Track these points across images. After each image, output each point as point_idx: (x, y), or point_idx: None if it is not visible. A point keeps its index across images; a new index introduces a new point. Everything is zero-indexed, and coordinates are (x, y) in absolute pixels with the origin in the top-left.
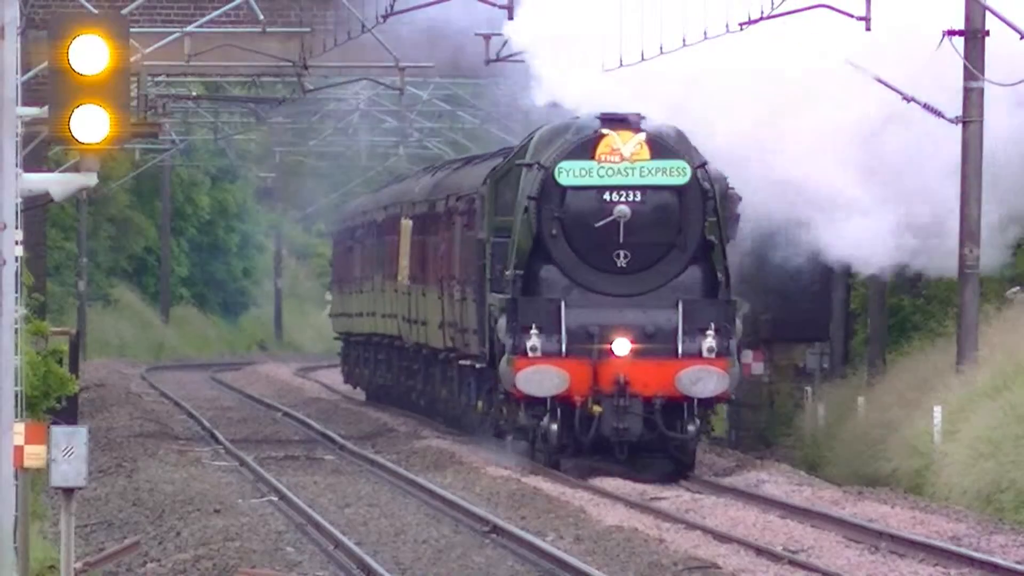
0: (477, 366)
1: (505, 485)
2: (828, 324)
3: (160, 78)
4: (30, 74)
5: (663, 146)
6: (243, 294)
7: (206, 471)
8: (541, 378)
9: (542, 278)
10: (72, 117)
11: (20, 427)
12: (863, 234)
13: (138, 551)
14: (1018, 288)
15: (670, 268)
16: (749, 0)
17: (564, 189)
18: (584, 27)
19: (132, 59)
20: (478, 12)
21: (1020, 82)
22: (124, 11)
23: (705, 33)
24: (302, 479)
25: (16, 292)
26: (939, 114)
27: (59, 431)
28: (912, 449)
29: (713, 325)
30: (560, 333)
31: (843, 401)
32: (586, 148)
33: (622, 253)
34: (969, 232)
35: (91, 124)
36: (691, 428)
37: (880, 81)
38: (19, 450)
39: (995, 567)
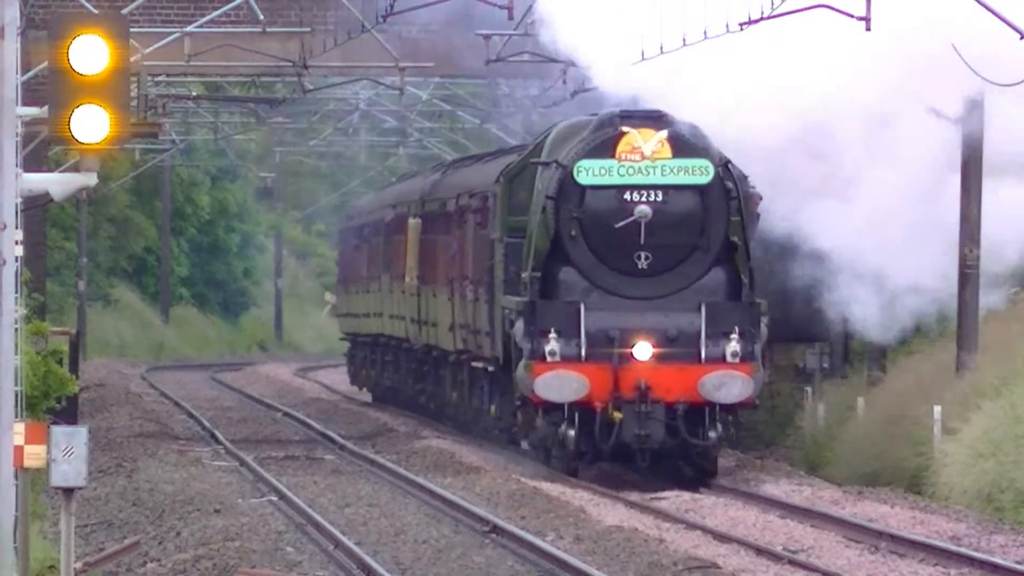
0: (490, 369)
1: (505, 485)
2: (828, 324)
3: (160, 78)
4: (30, 74)
5: (685, 144)
6: (243, 294)
7: (206, 471)
8: (560, 383)
9: (560, 280)
10: (72, 117)
11: (20, 427)
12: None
13: (138, 551)
14: (1019, 288)
15: (693, 270)
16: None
17: (583, 188)
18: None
19: (132, 59)
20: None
21: (1020, 82)
22: (124, 11)
23: (705, 33)
24: (302, 479)
25: (16, 292)
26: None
27: (59, 431)
28: (912, 449)
29: (737, 329)
30: (579, 337)
31: (843, 401)
32: (606, 146)
33: (643, 255)
34: (969, 232)
35: (91, 124)
36: (713, 435)
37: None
38: (19, 450)
39: (995, 567)
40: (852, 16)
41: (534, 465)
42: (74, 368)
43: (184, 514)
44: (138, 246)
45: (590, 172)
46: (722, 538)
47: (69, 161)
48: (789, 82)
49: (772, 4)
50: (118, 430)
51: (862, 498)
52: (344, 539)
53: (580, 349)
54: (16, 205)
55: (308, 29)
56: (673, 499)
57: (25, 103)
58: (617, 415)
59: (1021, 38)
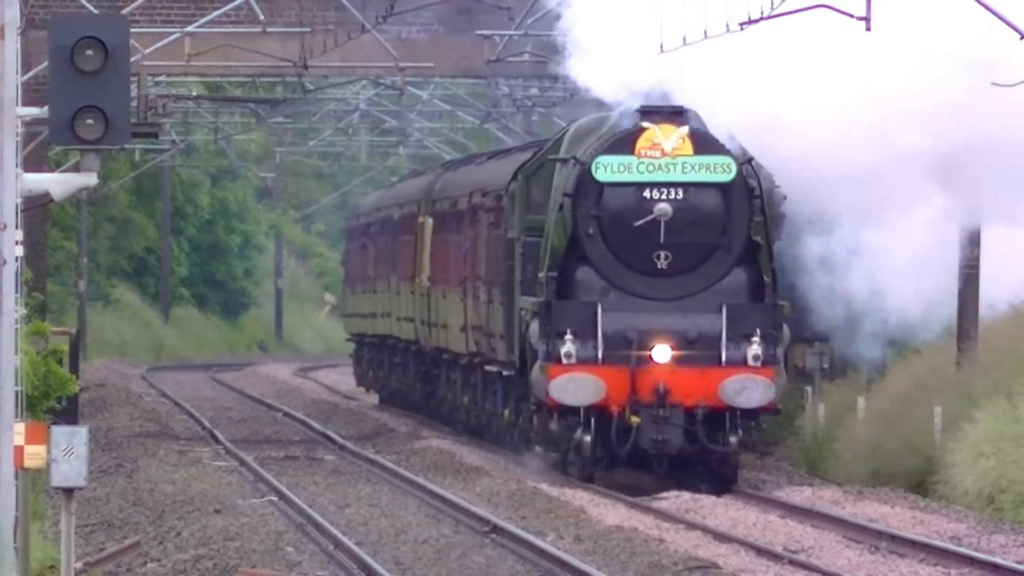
0: (505, 373)
1: (505, 485)
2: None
3: (160, 78)
4: (30, 74)
5: (707, 140)
6: (243, 294)
7: (206, 471)
8: (576, 386)
9: (577, 280)
10: (72, 117)
11: (20, 427)
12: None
13: (138, 551)
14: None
15: (714, 270)
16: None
17: (602, 186)
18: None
19: (132, 59)
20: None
21: (1020, 83)
22: (124, 11)
23: (705, 32)
24: (302, 479)
25: (16, 292)
26: None
27: (59, 431)
28: (912, 449)
29: (759, 331)
30: (596, 339)
31: (843, 401)
32: (625, 142)
33: (663, 254)
34: (969, 231)
35: (91, 124)
36: (733, 440)
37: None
38: (19, 450)
39: (995, 567)
40: (852, 16)
41: (549, 471)
42: (74, 368)
43: (184, 514)
44: (138, 246)
45: (609, 169)
46: (722, 538)
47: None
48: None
49: (772, 4)
50: (118, 430)
51: (862, 498)
52: (344, 539)
53: (597, 351)
54: (16, 205)
55: (308, 29)
56: (673, 499)
57: (25, 103)
58: (634, 420)
59: (1021, 38)
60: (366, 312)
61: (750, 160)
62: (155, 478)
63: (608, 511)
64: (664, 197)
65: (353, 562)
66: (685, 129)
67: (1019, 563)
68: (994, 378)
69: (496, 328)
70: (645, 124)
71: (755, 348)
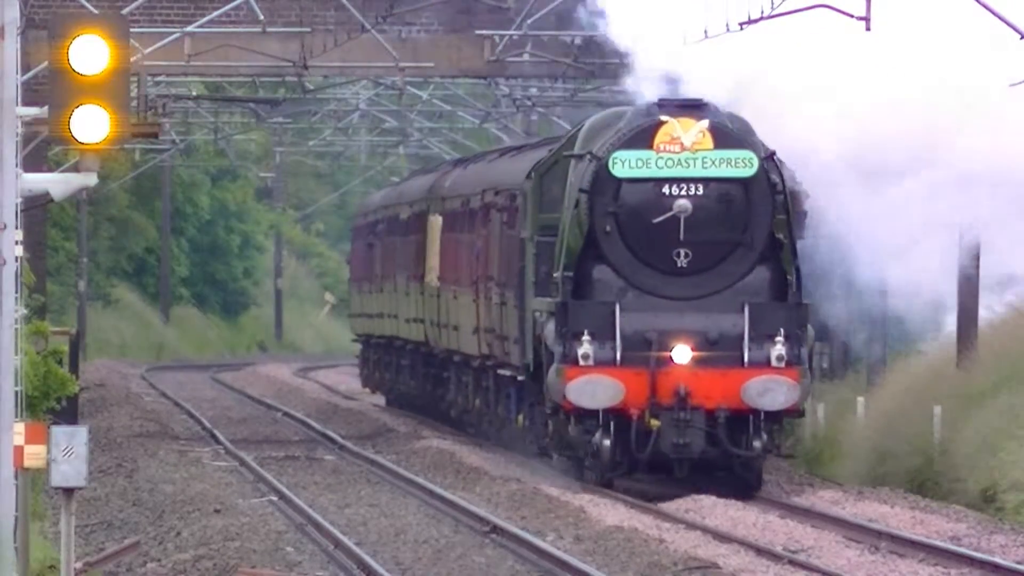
0: (519, 377)
1: (505, 485)
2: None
3: (160, 78)
4: (30, 74)
5: (728, 134)
6: (243, 294)
7: (206, 471)
8: (594, 389)
9: (594, 280)
10: (72, 117)
11: (20, 427)
12: None
13: (138, 551)
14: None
15: (735, 268)
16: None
17: (619, 181)
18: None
19: (132, 59)
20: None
21: (1021, 83)
22: (124, 11)
23: (705, 32)
24: (302, 479)
25: (16, 292)
26: None
27: (59, 431)
28: (912, 449)
29: (782, 331)
30: (614, 340)
31: (843, 401)
32: (643, 136)
33: (682, 252)
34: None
35: (91, 124)
36: (757, 444)
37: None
38: (19, 450)
39: (995, 567)
40: (852, 16)
41: (566, 478)
42: (74, 368)
43: (184, 514)
44: (138, 246)
45: (626, 164)
46: (722, 538)
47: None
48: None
49: (772, 4)
50: (118, 430)
51: (862, 498)
52: (344, 539)
53: (615, 352)
54: (16, 205)
55: (308, 29)
56: (673, 499)
57: (25, 103)
58: (654, 423)
59: (1021, 38)
60: (372, 312)
61: (772, 154)
62: (155, 478)
63: (608, 511)
64: (684, 193)
65: (353, 562)
66: (705, 123)
67: (1019, 563)
68: (994, 378)
69: (510, 331)
70: (664, 117)
71: (779, 348)
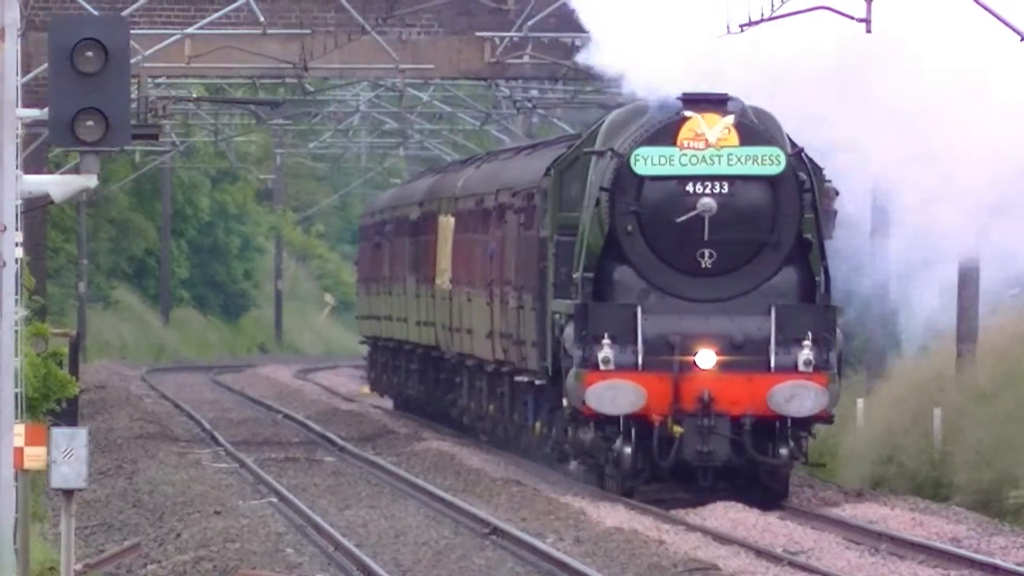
0: (537, 383)
1: (505, 487)
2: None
3: (160, 80)
4: (30, 75)
5: (754, 131)
6: (243, 296)
7: (206, 473)
8: (615, 394)
9: (615, 281)
10: (72, 119)
11: (20, 429)
12: None
13: (138, 553)
14: (1020, 289)
15: (761, 269)
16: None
17: (641, 179)
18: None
19: (132, 61)
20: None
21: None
22: (124, 13)
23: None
24: (302, 481)
25: (16, 294)
26: None
27: (59, 433)
28: (912, 451)
29: (810, 335)
30: (636, 343)
31: (843, 402)
32: (666, 133)
33: (707, 252)
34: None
35: (91, 126)
36: (784, 451)
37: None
38: (19, 452)
39: (995, 569)
40: (852, 18)
41: (585, 487)
42: (74, 370)
43: (184, 516)
44: (138, 248)
45: (649, 161)
46: (722, 540)
47: (69, 163)
48: None
49: (772, 5)
50: (118, 432)
51: (862, 500)
52: (344, 541)
53: (637, 356)
54: (16, 207)
55: (308, 31)
56: (673, 501)
57: (25, 105)
58: (677, 429)
59: (1021, 39)
60: (380, 314)
61: (800, 152)
62: (155, 480)
63: (608, 512)
64: (708, 191)
65: (353, 564)
66: (730, 119)
67: (1019, 565)
68: (994, 379)
69: (528, 336)
70: (688, 113)
71: (806, 353)
